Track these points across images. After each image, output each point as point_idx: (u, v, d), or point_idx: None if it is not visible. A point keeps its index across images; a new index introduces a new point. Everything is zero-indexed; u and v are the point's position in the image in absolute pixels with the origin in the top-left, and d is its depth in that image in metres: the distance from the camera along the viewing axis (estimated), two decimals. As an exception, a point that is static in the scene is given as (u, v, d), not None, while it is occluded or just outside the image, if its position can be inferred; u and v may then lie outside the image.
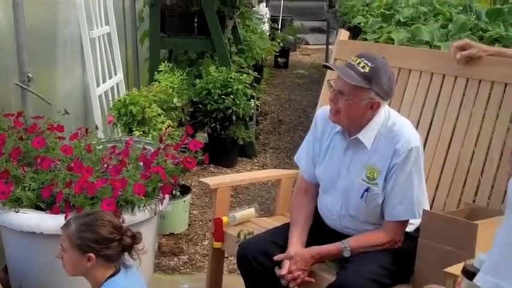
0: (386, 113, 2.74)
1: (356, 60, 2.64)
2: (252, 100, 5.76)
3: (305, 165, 2.95)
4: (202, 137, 5.44)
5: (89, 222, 2.44)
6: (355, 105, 2.64)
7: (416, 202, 2.68)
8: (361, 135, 2.70)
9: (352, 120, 2.69)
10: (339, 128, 2.78)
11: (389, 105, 3.05)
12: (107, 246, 2.40)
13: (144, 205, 3.06)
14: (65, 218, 2.79)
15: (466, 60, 3.01)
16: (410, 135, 2.68)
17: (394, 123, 2.71)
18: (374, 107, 2.67)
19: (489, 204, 2.84)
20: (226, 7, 5.97)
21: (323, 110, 2.92)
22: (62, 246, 2.45)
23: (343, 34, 3.63)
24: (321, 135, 2.87)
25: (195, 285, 3.35)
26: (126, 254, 2.48)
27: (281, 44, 9.28)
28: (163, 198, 3.20)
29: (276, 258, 2.70)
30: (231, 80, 5.45)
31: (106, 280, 2.44)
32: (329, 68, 2.85)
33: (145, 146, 3.45)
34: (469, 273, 1.38)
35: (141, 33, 6.00)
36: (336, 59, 3.48)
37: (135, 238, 2.48)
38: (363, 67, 2.60)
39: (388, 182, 2.67)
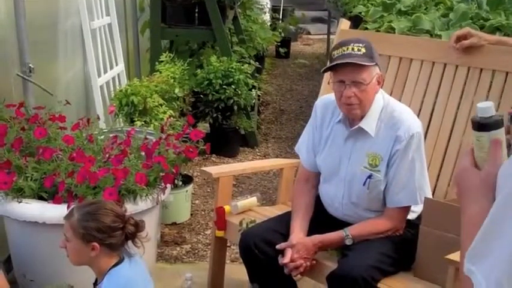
0: (384, 99, 2.75)
1: (346, 48, 2.63)
2: (253, 90, 5.76)
3: (305, 155, 2.96)
4: (203, 127, 5.44)
5: (91, 211, 2.44)
6: (372, 86, 2.66)
7: (418, 188, 2.69)
8: (363, 124, 2.71)
9: (369, 104, 2.69)
10: (339, 117, 2.78)
11: (391, 94, 3.07)
12: (110, 235, 2.41)
13: (146, 194, 3.07)
14: (67, 207, 2.80)
15: (465, 48, 3.01)
16: (411, 121, 2.70)
17: (394, 109, 2.72)
18: (380, 82, 2.71)
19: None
20: (227, -3, 5.97)
21: (322, 99, 2.93)
22: (66, 236, 2.46)
23: (344, 23, 3.63)
24: (321, 124, 2.87)
25: (197, 274, 3.36)
26: (129, 243, 2.49)
27: (282, 34, 9.26)
28: (165, 187, 3.21)
29: (278, 247, 2.72)
30: (232, 70, 5.45)
31: (110, 269, 2.45)
32: (330, 70, 2.74)
33: (147, 136, 3.45)
34: (473, 124, 1.28)
35: (142, 24, 5.99)
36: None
37: (138, 226, 2.49)
38: (359, 50, 2.61)
39: (390, 168, 2.68)
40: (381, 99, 2.74)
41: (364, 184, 2.71)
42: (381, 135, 2.70)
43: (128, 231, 2.45)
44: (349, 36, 3.42)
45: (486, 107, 1.27)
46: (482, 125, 1.26)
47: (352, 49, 2.62)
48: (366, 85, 2.63)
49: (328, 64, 2.69)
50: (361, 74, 2.62)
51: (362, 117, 2.72)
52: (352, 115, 2.73)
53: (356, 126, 2.73)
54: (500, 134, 1.26)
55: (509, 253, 1.00)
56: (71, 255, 2.49)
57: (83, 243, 2.42)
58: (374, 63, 2.64)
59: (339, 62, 2.63)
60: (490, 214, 1.05)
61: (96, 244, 2.41)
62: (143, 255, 2.54)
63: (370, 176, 2.70)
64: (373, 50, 2.66)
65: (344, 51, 2.63)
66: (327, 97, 2.82)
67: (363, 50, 2.62)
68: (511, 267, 0.99)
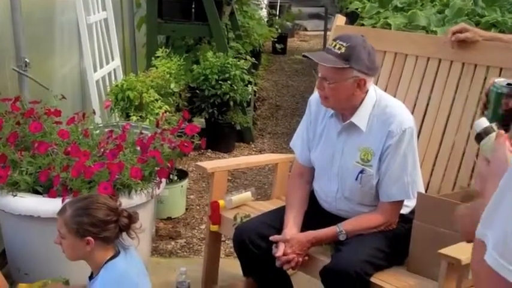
0: (377, 94, 2.76)
1: (332, 43, 2.67)
2: (249, 86, 5.76)
3: (300, 150, 2.96)
4: (199, 123, 5.45)
5: (84, 206, 2.45)
6: (341, 87, 2.65)
7: (410, 182, 2.70)
8: (354, 119, 2.72)
9: (342, 103, 2.71)
10: (332, 112, 2.80)
11: (385, 90, 3.08)
12: (104, 228, 2.42)
13: (141, 189, 3.08)
14: (62, 201, 2.80)
15: (460, 43, 3.02)
16: (403, 116, 2.71)
17: (386, 105, 2.73)
18: (361, 85, 2.68)
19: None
20: (223, -8, 5.96)
21: (316, 94, 2.93)
22: (60, 232, 2.46)
23: (340, 19, 3.63)
24: (315, 119, 2.89)
25: (192, 269, 3.37)
26: (124, 235, 2.50)
27: (279, 30, 9.25)
28: (160, 182, 3.22)
29: (272, 238, 2.72)
30: (229, 66, 5.45)
31: (106, 262, 2.46)
32: (308, 57, 2.78)
33: (142, 131, 3.46)
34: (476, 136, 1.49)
35: (138, 19, 5.99)
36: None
37: (132, 218, 2.49)
38: (339, 48, 2.62)
39: (383, 163, 2.69)
40: (373, 94, 2.75)
41: (356, 179, 2.72)
42: (373, 130, 2.71)
43: (122, 223, 2.46)
44: (344, 32, 3.44)
45: (476, 124, 1.48)
46: (475, 139, 1.49)
47: (335, 46, 2.64)
48: (331, 83, 2.64)
49: (307, 54, 2.76)
50: (330, 73, 2.64)
51: (353, 112, 2.73)
52: (326, 106, 2.77)
53: (348, 121, 2.74)
54: (489, 141, 1.44)
55: (505, 220, 1.11)
56: (67, 251, 2.50)
57: (78, 238, 2.43)
58: (347, 66, 2.61)
59: (309, 55, 2.73)
60: (499, 185, 1.17)
61: (90, 238, 2.42)
62: (138, 247, 2.54)
63: (362, 171, 2.71)
64: (357, 52, 2.62)
65: (329, 45, 2.68)
66: (319, 93, 2.83)
67: (343, 49, 2.62)
68: (505, 236, 1.10)
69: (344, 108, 2.74)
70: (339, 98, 2.68)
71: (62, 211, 2.48)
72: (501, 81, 1.66)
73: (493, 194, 1.18)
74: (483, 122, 1.47)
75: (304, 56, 2.81)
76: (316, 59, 2.66)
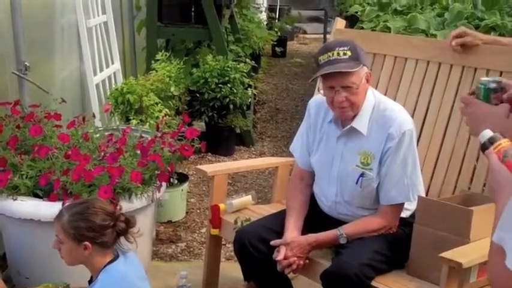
0: (375, 97, 2.76)
1: (332, 54, 2.62)
2: (249, 89, 5.76)
3: (300, 154, 2.96)
4: (199, 126, 5.45)
5: (80, 211, 2.44)
6: (362, 87, 2.67)
7: (410, 185, 2.70)
8: (355, 124, 2.72)
9: (360, 105, 2.70)
10: (331, 116, 2.79)
11: (385, 94, 3.08)
12: (102, 233, 2.41)
13: (141, 192, 3.08)
14: (62, 205, 2.79)
15: (460, 47, 3.02)
16: (402, 118, 2.71)
17: (385, 108, 2.73)
18: (369, 79, 2.72)
19: (484, 191, 2.85)
20: (223, -4, 5.97)
21: (316, 98, 2.93)
22: (58, 237, 2.46)
23: (340, 22, 3.63)
24: (314, 123, 2.88)
25: (192, 272, 3.36)
26: (123, 239, 2.49)
27: (279, 33, 9.27)
28: (161, 185, 3.22)
29: (272, 243, 2.72)
30: (228, 69, 5.45)
31: (105, 266, 2.45)
32: (316, 79, 2.78)
33: (142, 134, 3.46)
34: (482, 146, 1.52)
35: (138, 23, 5.99)
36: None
37: (129, 222, 2.49)
38: (345, 54, 2.62)
39: (383, 166, 2.69)
40: (372, 97, 2.75)
41: (356, 183, 2.72)
42: (373, 134, 2.71)
43: (119, 228, 2.45)
44: (344, 35, 3.44)
45: (481, 135, 1.52)
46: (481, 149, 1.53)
47: (338, 54, 2.62)
48: (357, 88, 2.64)
49: (318, 74, 2.69)
50: (351, 79, 2.62)
51: (354, 117, 2.72)
52: (345, 117, 2.74)
53: (348, 126, 2.74)
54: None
55: None
56: (65, 256, 2.49)
57: (75, 243, 2.42)
58: (361, 65, 2.63)
59: (326, 71, 2.63)
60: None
61: (88, 243, 2.41)
62: (136, 250, 2.54)
63: (362, 175, 2.71)
64: (358, 50, 2.65)
65: (330, 56, 2.63)
66: (320, 96, 2.82)
67: (349, 53, 2.62)
68: None
69: (358, 111, 2.72)
70: (361, 99, 2.69)
71: (59, 216, 2.47)
72: (487, 78, 1.70)
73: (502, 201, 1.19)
74: (487, 133, 1.51)
75: (313, 80, 2.78)
76: (337, 70, 2.60)
